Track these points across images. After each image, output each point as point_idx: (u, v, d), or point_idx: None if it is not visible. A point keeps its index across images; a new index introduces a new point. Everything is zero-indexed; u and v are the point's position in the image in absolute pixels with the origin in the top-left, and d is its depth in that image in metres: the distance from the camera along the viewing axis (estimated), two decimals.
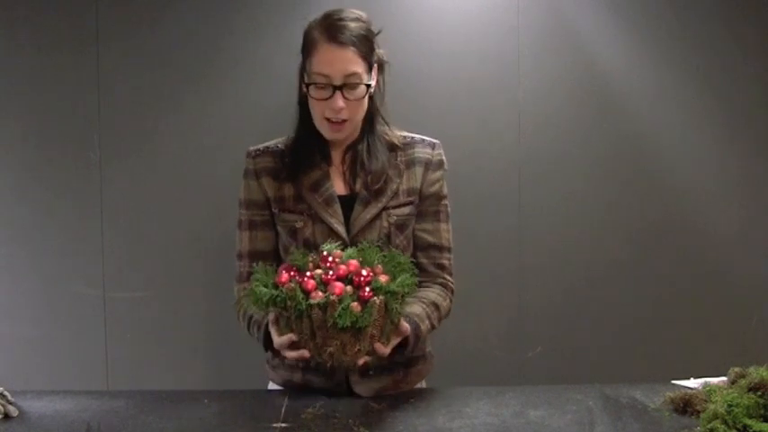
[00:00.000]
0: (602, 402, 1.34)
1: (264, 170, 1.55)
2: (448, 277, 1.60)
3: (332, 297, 1.24)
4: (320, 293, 1.25)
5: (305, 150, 1.54)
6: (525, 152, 2.17)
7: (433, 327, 1.51)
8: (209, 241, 2.13)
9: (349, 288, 1.27)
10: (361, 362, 1.31)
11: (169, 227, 2.14)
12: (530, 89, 2.15)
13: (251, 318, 1.49)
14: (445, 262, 1.59)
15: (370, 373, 1.50)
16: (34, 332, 2.14)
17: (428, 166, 1.57)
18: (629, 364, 2.19)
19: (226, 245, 1.99)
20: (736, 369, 1.31)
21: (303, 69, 1.51)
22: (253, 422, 1.26)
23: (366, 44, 1.46)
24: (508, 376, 2.19)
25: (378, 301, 1.25)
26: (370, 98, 1.53)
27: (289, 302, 1.26)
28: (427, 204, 1.57)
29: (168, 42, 2.11)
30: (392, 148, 1.55)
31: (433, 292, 1.55)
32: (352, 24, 1.45)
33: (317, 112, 1.48)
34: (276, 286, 1.29)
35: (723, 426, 1.14)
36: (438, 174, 1.58)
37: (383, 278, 1.30)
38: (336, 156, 1.57)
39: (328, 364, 1.29)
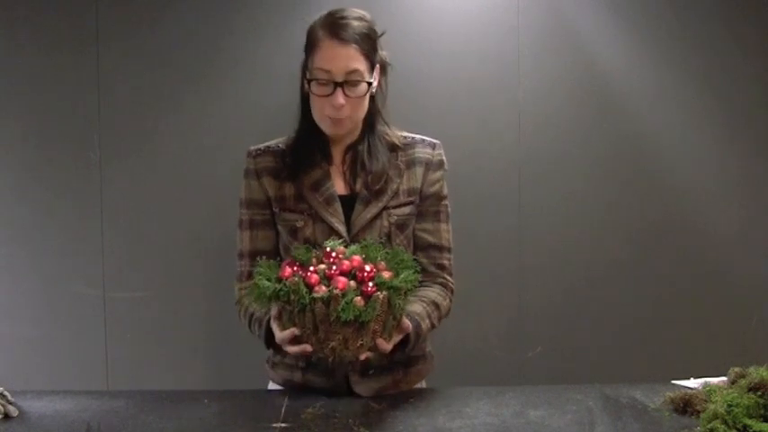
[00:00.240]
0: (602, 402, 1.34)
1: (265, 170, 1.55)
2: (448, 277, 1.60)
3: (335, 291, 1.24)
4: (323, 288, 1.26)
5: (306, 149, 1.54)
6: (525, 152, 2.17)
7: (433, 326, 1.51)
8: (209, 241, 2.13)
9: (352, 283, 1.27)
10: (363, 357, 1.30)
11: (169, 227, 2.14)
12: (530, 89, 2.15)
13: (252, 315, 1.49)
14: (445, 262, 1.60)
15: (371, 372, 1.50)
16: (34, 332, 2.14)
17: (428, 166, 1.57)
18: (629, 364, 2.19)
19: (226, 245, 1.99)
20: (736, 369, 1.31)
21: (305, 67, 1.51)
22: (253, 422, 1.26)
23: (368, 43, 1.47)
24: (508, 376, 2.19)
25: (381, 297, 1.25)
26: (372, 98, 1.53)
27: (292, 296, 1.26)
28: (427, 204, 1.58)
29: (168, 42, 2.11)
30: (393, 148, 1.56)
31: (433, 292, 1.55)
32: (355, 23, 1.45)
33: (318, 108, 1.48)
34: (279, 280, 1.29)
35: (723, 426, 1.14)
36: (438, 174, 1.58)
37: (386, 274, 1.30)
38: (337, 155, 1.57)
39: (330, 359, 1.28)
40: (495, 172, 2.17)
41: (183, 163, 2.13)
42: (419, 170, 1.56)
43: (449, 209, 1.61)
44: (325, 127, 1.50)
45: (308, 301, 1.25)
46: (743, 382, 1.23)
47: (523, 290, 2.20)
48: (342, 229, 1.50)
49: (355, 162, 1.54)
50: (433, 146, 1.59)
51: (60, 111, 2.11)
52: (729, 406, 1.16)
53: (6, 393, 1.32)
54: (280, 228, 1.55)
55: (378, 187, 1.52)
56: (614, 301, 2.21)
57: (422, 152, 1.57)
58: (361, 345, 1.27)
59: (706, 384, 1.34)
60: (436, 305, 1.52)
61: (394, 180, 1.54)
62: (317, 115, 1.50)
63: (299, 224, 1.52)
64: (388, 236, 1.52)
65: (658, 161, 2.20)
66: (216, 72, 2.12)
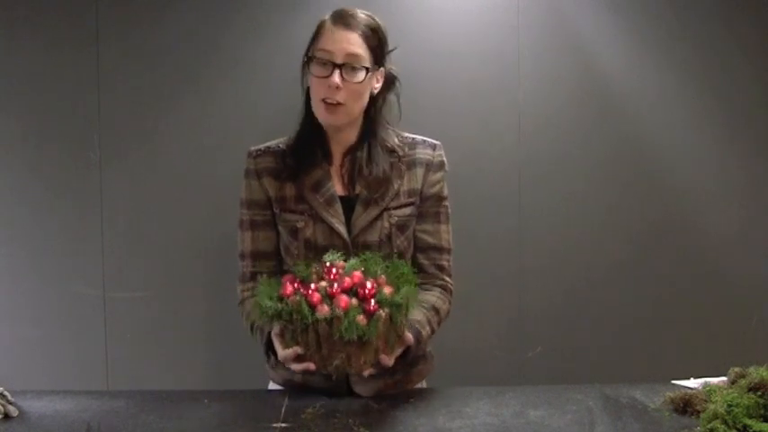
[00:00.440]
0: (602, 402, 1.34)
1: (266, 170, 1.55)
2: (447, 278, 1.60)
3: (338, 311, 1.25)
4: (326, 307, 1.26)
5: (307, 147, 1.54)
6: (525, 153, 2.17)
7: (433, 331, 1.52)
8: (209, 241, 2.13)
9: (354, 301, 1.28)
10: (366, 373, 1.32)
11: (169, 227, 2.14)
12: (530, 90, 2.15)
13: (254, 322, 1.49)
14: (445, 263, 1.60)
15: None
16: (34, 332, 2.14)
17: (429, 167, 1.57)
18: (629, 364, 2.19)
19: (226, 245, 1.99)
20: (736, 369, 1.31)
21: (308, 56, 1.50)
22: (253, 422, 1.26)
23: (373, 37, 1.48)
24: (508, 376, 2.19)
25: (383, 315, 1.27)
26: (373, 103, 1.54)
27: (295, 316, 1.27)
28: (428, 205, 1.57)
29: (168, 42, 2.11)
30: (393, 152, 1.56)
31: (433, 296, 1.55)
32: (363, 16, 1.49)
33: (315, 92, 1.49)
34: (281, 299, 1.29)
35: (723, 426, 1.14)
36: (439, 175, 1.58)
37: (387, 290, 1.31)
38: (337, 156, 1.57)
39: (333, 377, 1.30)
40: (495, 172, 2.17)
41: (182, 163, 2.13)
42: (420, 171, 1.56)
43: (449, 210, 1.61)
44: (320, 114, 1.50)
45: (310, 321, 1.26)
46: (743, 382, 1.23)
47: (523, 290, 2.20)
48: (342, 229, 1.50)
49: (354, 167, 1.54)
50: (434, 147, 1.59)
51: (60, 111, 2.11)
52: (729, 406, 1.16)
53: (6, 393, 1.32)
54: (280, 228, 1.55)
55: (378, 194, 1.52)
56: (614, 302, 2.21)
57: (422, 153, 1.57)
58: (365, 362, 1.29)
59: (706, 384, 1.34)
60: (436, 310, 1.53)
61: (394, 181, 1.54)
62: (313, 101, 1.50)
63: (300, 225, 1.52)
64: (389, 237, 1.52)
65: (658, 162, 2.20)
66: (216, 72, 2.12)
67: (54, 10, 2.09)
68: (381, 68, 1.53)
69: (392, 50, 1.55)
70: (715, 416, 1.16)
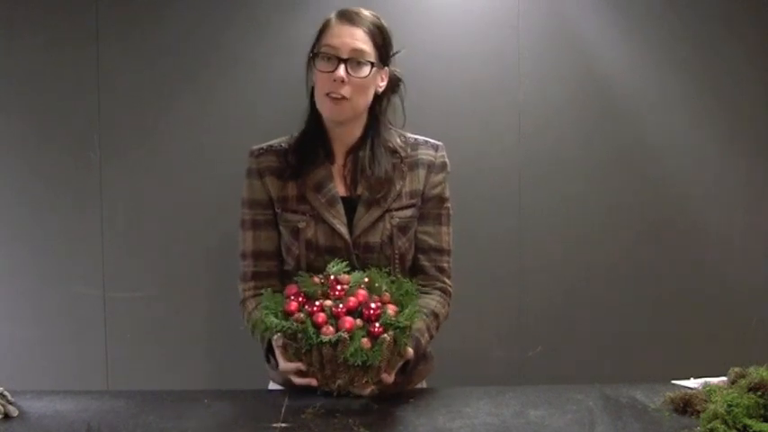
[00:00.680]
0: (603, 402, 1.34)
1: (268, 169, 1.55)
2: (447, 280, 1.60)
3: (343, 335, 1.25)
4: (331, 328, 1.27)
5: (309, 146, 1.54)
6: (525, 153, 2.17)
7: (431, 337, 1.53)
8: (209, 241, 2.13)
9: (359, 321, 1.28)
10: (367, 392, 1.33)
11: (169, 227, 2.14)
12: (530, 91, 2.15)
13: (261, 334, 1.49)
14: (445, 265, 1.60)
15: None
16: (34, 332, 2.14)
17: (431, 168, 1.57)
18: (629, 364, 2.19)
19: (226, 245, 2.00)
20: (736, 369, 1.31)
21: (313, 53, 1.51)
22: (253, 422, 1.26)
23: (378, 35, 1.49)
24: (508, 376, 2.19)
25: (388, 339, 1.27)
26: (378, 102, 1.54)
27: (299, 335, 1.28)
28: (429, 207, 1.57)
29: (168, 42, 2.11)
30: (395, 152, 1.56)
31: (433, 300, 1.55)
32: (368, 14, 1.50)
33: (320, 87, 1.49)
34: (285, 315, 1.30)
35: (723, 426, 1.14)
36: (440, 176, 1.58)
37: (391, 309, 1.31)
38: (339, 156, 1.57)
39: (335, 395, 1.31)
40: (495, 173, 2.17)
41: (183, 162, 2.13)
42: (421, 172, 1.56)
43: (450, 211, 1.61)
44: (325, 109, 1.50)
45: (315, 342, 1.26)
46: (743, 382, 1.23)
47: (523, 290, 2.20)
48: (344, 230, 1.50)
49: (356, 167, 1.54)
50: (436, 148, 1.59)
51: (60, 111, 2.11)
52: (729, 406, 1.16)
53: (6, 393, 1.32)
54: (281, 228, 1.55)
55: (380, 195, 1.52)
56: (614, 302, 2.21)
57: (425, 154, 1.57)
58: (367, 381, 1.30)
59: (706, 384, 1.34)
60: (435, 315, 1.53)
61: (396, 182, 1.54)
62: (318, 97, 1.50)
63: (301, 225, 1.51)
64: (390, 238, 1.52)
65: (658, 162, 2.20)
66: (216, 71, 2.12)
67: (54, 10, 2.09)
68: (386, 68, 1.53)
69: (397, 53, 1.56)
70: (715, 416, 1.16)
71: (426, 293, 1.56)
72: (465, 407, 1.33)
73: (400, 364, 1.39)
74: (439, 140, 1.61)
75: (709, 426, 1.15)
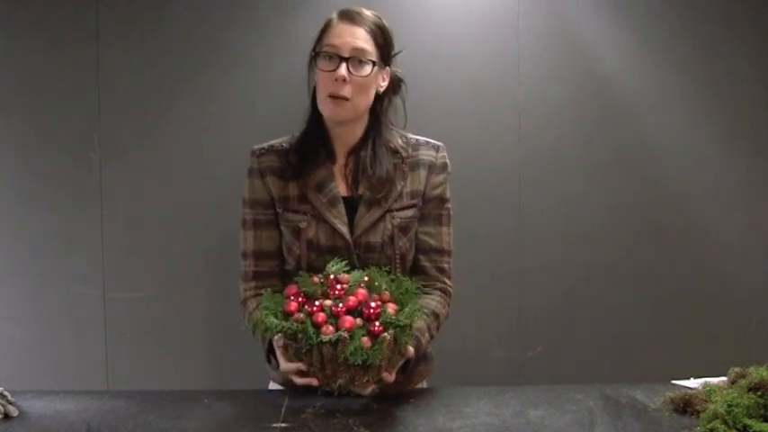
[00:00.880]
0: (603, 402, 1.34)
1: (269, 169, 1.55)
2: (447, 281, 1.60)
3: (343, 334, 1.25)
4: (331, 328, 1.27)
5: (311, 146, 1.54)
6: (525, 153, 2.17)
7: (432, 337, 1.53)
8: (209, 240, 2.13)
9: (359, 320, 1.28)
10: (368, 391, 1.32)
11: (169, 226, 2.14)
12: (530, 91, 2.15)
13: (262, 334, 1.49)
14: (445, 265, 1.60)
15: None
16: (34, 332, 2.14)
17: (432, 168, 1.57)
18: (629, 364, 2.19)
19: (226, 244, 2.00)
20: (736, 369, 1.31)
21: (314, 52, 1.51)
22: (253, 422, 1.26)
23: (380, 35, 1.49)
24: (508, 376, 2.19)
25: (388, 337, 1.27)
26: (379, 102, 1.54)
27: (299, 335, 1.27)
28: (430, 207, 1.57)
29: (168, 42, 2.11)
30: (396, 153, 1.56)
31: (433, 301, 1.55)
32: (369, 14, 1.51)
33: (321, 87, 1.49)
34: (285, 316, 1.30)
35: (723, 426, 1.14)
36: (441, 177, 1.58)
37: (391, 307, 1.31)
38: (340, 156, 1.57)
39: (336, 394, 1.31)
40: (495, 173, 2.17)
41: (183, 162, 2.13)
42: (422, 173, 1.56)
43: (451, 212, 1.61)
44: (327, 109, 1.50)
45: (315, 342, 1.26)
46: (743, 382, 1.23)
47: (523, 290, 2.20)
48: (345, 230, 1.50)
49: (357, 167, 1.54)
50: (437, 148, 1.59)
51: (60, 111, 2.11)
52: (729, 406, 1.16)
53: (6, 393, 1.32)
54: (282, 228, 1.55)
55: (381, 195, 1.52)
56: (614, 302, 2.21)
57: (426, 155, 1.57)
58: (367, 380, 1.30)
59: (706, 384, 1.34)
60: (436, 315, 1.53)
61: (397, 182, 1.54)
62: (319, 97, 1.50)
63: (303, 225, 1.51)
64: (391, 238, 1.52)
65: (658, 162, 2.20)
66: (216, 71, 2.12)
67: (54, 10, 2.09)
68: (387, 68, 1.54)
69: (398, 53, 1.56)
70: (715, 416, 1.16)
71: (427, 294, 1.56)
72: (465, 407, 1.33)
73: (401, 362, 1.39)
74: (439, 140, 1.61)
75: (709, 426, 1.15)
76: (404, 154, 1.56)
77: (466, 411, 1.31)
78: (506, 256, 2.18)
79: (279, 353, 1.38)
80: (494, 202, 2.17)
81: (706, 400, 1.25)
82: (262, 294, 1.42)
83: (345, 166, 1.56)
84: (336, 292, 1.33)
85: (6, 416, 1.28)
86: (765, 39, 2.20)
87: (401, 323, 1.29)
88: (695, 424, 1.21)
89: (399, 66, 1.60)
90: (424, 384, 1.64)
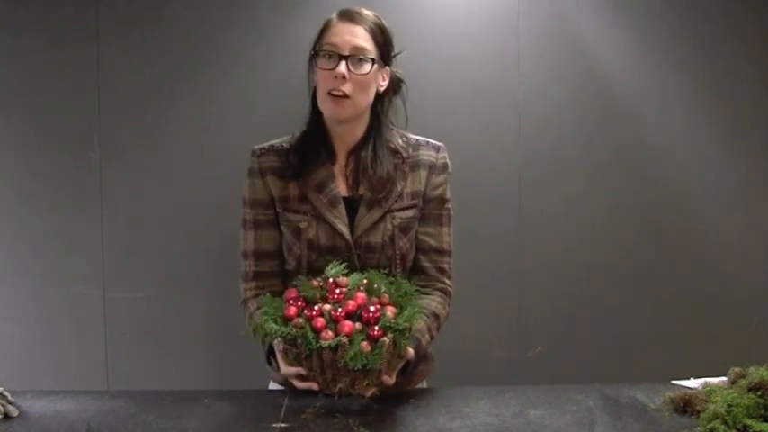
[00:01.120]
0: (603, 402, 1.34)
1: (269, 169, 1.55)
2: (447, 281, 1.60)
3: (343, 340, 1.25)
4: (330, 333, 1.27)
5: (311, 146, 1.54)
6: (525, 153, 2.17)
7: (432, 338, 1.53)
8: (209, 240, 2.13)
9: (358, 325, 1.28)
10: (368, 394, 1.32)
11: (169, 226, 2.14)
12: (530, 91, 2.15)
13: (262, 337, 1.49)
14: (446, 266, 1.60)
15: None
16: (34, 332, 2.14)
17: (432, 169, 1.57)
18: (629, 364, 2.19)
19: (226, 244, 2.00)
20: (736, 369, 1.31)
21: (314, 52, 1.51)
22: (253, 422, 1.26)
23: (379, 34, 1.50)
24: (508, 376, 2.19)
25: (387, 341, 1.27)
26: (380, 102, 1.54)
27: (299, 341, 1.27)
28: (430, 207, 1.57)
29: (168, 42, 2.11)
30: (397, 153, 1.56)
31: (433, 301, 1.55)
32: (368, 13, 1.51)
33: (321, 85, 1.49)
34: (285, 321, 1.30)
35: (723, 426, 1.14)
36: (442, 177, 1.58)
37: (390, 311, 1.31)
38: (341, 156, 1.57)
39: (336, 398, 1.31)
40: (495, 173, 2.17)
41: (183, 162, 2.13)
42: (423, 173, 1.56)
43: (451, 212, 1.61)
44: (327, 107, 1.50)
45: (315, 347, 1.26)
46: (743, 382, 1.23)
47: (523, 290, 2.20)
48: (345, 230, 1.50)
49: (358, 167, 1.54)
50: (438, 149, 1.59)
51: (60, 111, 2.11)
52: (729, 406, 1.16)
53: (6, 393, 1.32)
54: (283, 228, 1.55)
55: (381, 195, 1.52)
56: (614, 302, 2.21)
57: (426, 155, 1.57)
58: (368, 384, 1.29)
59: (706, 384, 1.34)
60: (436, 316, 1.53)
61: (398, 183, 1.54)
62: (319, 96, 1.50)
63: (303, 225, 1.51)
64: (392, 238, 1.52)
65: (659, 162, 2.20)
66: (216, 71, 2.12)
67: (54, 10, 2.09)
68: (387, 68, 1.54)
69: (398, 53, 1.56)
70: (715, 416, 1.16)
71: (427, 294, 1.56)
72: (465, 407, 1.33)
73: (401, 364, 1.39)
74: (439, 140, 1.61)
75: (709, 426, 1.15)
76: (404, 154, 1.56)
77: (466, 411, 1.31)
78: (506, 256, 2.18)
79: (279, 356, 1.38)
80: (494, 203, 2.17)
81: (706, 400, 1.25)
82: (262, 294, 1.42)
83: (346, 166, 1.56)
84: (335, 296, 1.32)
85: (6, 416, 1.28)
86: (765, 38, 2.20)
87: (400, 327, 1.29)
88: (695, 424, 1.21)
89: (400, 66, 1.60)
90: (424, 384, 1.64)
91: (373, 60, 1.48)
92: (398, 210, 1.53)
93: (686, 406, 1.28)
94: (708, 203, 2.22)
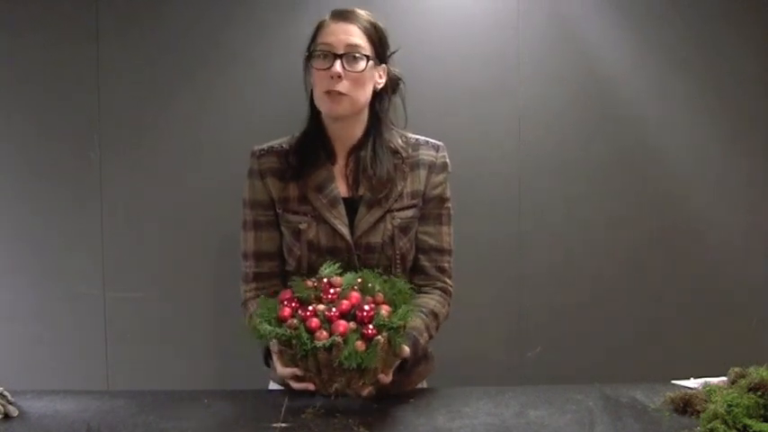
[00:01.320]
0: (603, 402, 1.34)
1: (269, 170, 1.55)
2: (447, 280, 1.60)
3: (337, 339, 1.25)
4: (324, 333, 1.26)
5: (310, 147, 1.54)
6: (525, 156, 2.17)
7: (431, 337, 1.53)
8: (209, 240, 2.13)
9: (353, 324, 1.28)
10: (365, 393, 1.32)
11: (169, 226, 2.14)
12: (530, 93, 2.15)
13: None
14: (446, 265, 1.60)
15: None
16: (34, 332, 2.14)
17: (432, 168, 1.57)
18: (629, 364, 2.19)
19: (226, 244, 2.00)
20: (736, 369, 1.31)
21: (309, 51, 1.51)
22: (253, 422, 1.26)
23: (373, 32, 1.50)
24: (508, 376, 2.19)
25: (382, 340, 1.27)
26: (379, 101, 1.54)
27: (294, 342, 1.27)
28: (430, 207, 1.57)
29: (168, 41, 2.11)
30: (396, 153, 1.56)
31: (432, 300, 1.55)
32: (361, 12, 1.51)
33: (318, 85, 1.49)
34: (279, 322, 1.30)
35: (723, 426, 1.14)
36: (441, 177, 1.58)
37: (384, 309, 1.31)
38: (340, 156, 1.57)
39: (333, 398, 1.31)
40: (495, 175, 2.16)
41: (183, 162, 2.13)
42: (422, 173, 1.56)
43: (451, 211, 1.61)
44: (324, 106, 1.50)
45: (310, 348, 1.26)
46: (743, 382, 1.23)
47: (524, 293, 2.19)
48: (345, 231, 1.50)
49: (358, 167, 1.54)
50: (437, 148, 1.59)
51: (60, 110, 2.11)
52: (729, 406, 1.16)
53: (6, 393, 1.32)
54: (283, 229, 1.55)
55: (381, 195, 1.52)
56: (614, 302, 2.21)
57: (426, 154, 1.57)
58: (364, 383, 1.29)
59: (706, 384, 1.34)
60: (435, 315, 1.53)
61: (398, 182, 1.54)
62: (317, 95, 1.51)
63: (303, 226, 1.51)
64: (392, 238, 1.52)
65: (659, 164, 2.20)
66: (216, 70, 2.12)
67: (54, 9, 2.09)
68: (383, 65, 1.53)
69: (395, 52, 1.56)
70: (715, 416, 1.16)
71: (426, 293, 1.56)
72: (465, 407, 1.33)
73: (397, 363, 1.39)
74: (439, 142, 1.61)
75: (709, 426, 1.15)
76: (404, 154, 1.56)
77: (466, 411, 1.31)
78: (506, 257, 2.18)
79: (275, 358, 1.37)
80: (494, 206, 2.17)
81: (706, 400, 1.25)
82: (262, 295, 1.42)
83: (345, 166, 1.56)
84: (329, 296, 1.32)
85: (6, 416, 1.28)
86: (767, 39, 2.20)
87: (394, 325, 1.29)
88: (695, 424, 1.21)
89: (399, 67, 1.60)
90: (424, 384, 1.64)
91: (368, 57, 1.48)
92: (398, 210, 1.53)
93: (686, 406, 1.28)
94: (710, 204, 2.22)
